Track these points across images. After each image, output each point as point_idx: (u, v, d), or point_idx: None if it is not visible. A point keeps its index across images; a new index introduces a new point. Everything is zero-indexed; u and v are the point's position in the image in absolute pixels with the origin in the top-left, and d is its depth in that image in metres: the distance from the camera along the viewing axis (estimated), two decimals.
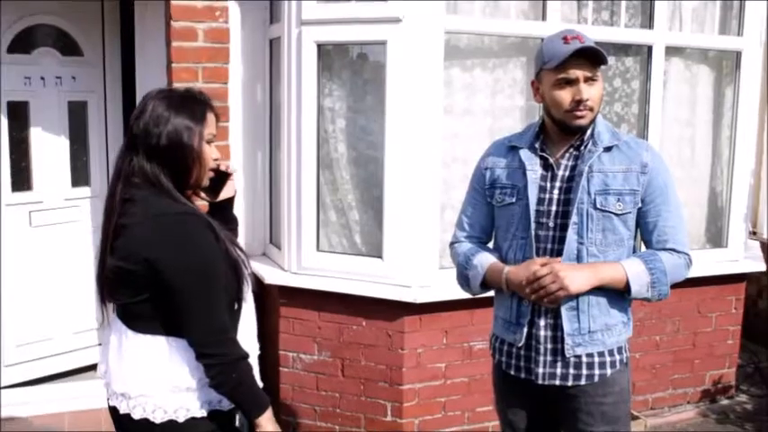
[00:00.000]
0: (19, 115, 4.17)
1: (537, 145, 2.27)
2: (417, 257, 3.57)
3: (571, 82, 2.14)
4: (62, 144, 4.32)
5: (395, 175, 3.54)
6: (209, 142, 1.96)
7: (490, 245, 2.45)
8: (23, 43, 4.15)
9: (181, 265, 1.82)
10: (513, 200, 2.28)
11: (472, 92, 3.76)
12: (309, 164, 3.70)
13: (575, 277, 2.11)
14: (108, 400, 2.03)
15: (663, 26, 3.97)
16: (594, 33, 3.73)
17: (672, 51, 4.07)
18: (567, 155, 2.24)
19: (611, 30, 3.90)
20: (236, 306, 2.00)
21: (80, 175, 4.42)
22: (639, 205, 2.20)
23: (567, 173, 2.22)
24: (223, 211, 2.18)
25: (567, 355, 2.21)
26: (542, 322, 2.23)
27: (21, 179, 4.21)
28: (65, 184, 4.36)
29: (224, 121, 3.83)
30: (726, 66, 4.29)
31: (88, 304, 4.47)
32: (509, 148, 2.34)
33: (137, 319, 1.92)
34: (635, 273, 2.17)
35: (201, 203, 2.09)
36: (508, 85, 3.80)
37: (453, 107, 3.71)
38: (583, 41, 2.12)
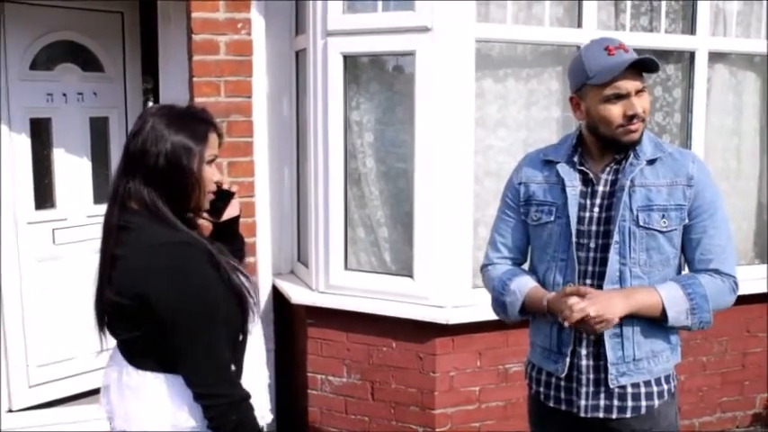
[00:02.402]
0: (41, 132, 4.13)
1: (576, 159, 2.12)
2: (449, 276, 3.42)
3: (621, 96, 1.99)
4: (84, 160, 4.28)
5: (425, 190, 3.40)
6: (209, 163, 1.83)
7: (526, 265, 2.29)
8: (45, 60, 4.12)
9: (175, 302, 1.70)
10: (552, 218, 2.13)
11: (505, 103, 3.61)
12: (337, 179, 3.57)
13: (612, 304, 1.95)
14: None
15: (705, 31, 3.79)
16: (633, 40, 3.59)
17: (715, 57, 3.88)
18: (608, 169, 2.10)
19: (650, 36, 3.73)
20: (240, 338, 1.86)
21: (102, 192, 4.34)
22: (686, 221, 2.05)
23: (607, 188, 2.08)
24: (228, 231, 2.05)
25: (611, 386, 2.06)
26: (584, 351, 2.09)
27: (44, 196, 4.17)
28: (87, 201, 4.31)
29: (248, 136, 3.72)
30: None
31: None
32: (544, 162, 2.19)
33: (136, 355, 1.81)
34: (671, 298, 2.00)
35: (205, 224, 1.97)
36: (543, 96, 3.65)
37: (486, 119, 3.57)
38: (627, 51, 2.00)
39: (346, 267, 3.64)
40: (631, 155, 2.06)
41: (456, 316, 3.40)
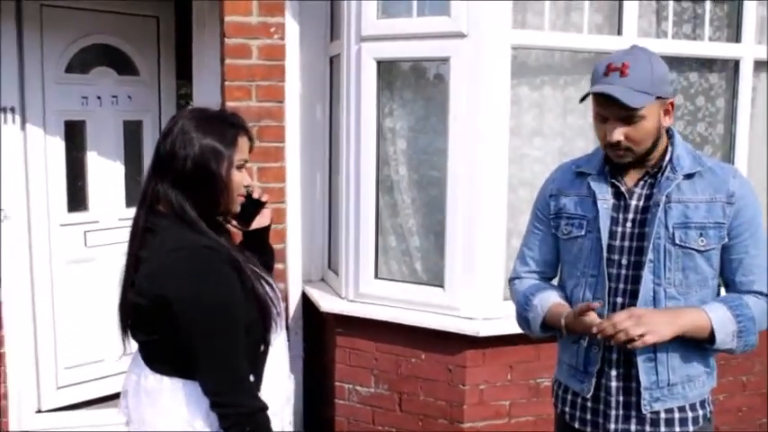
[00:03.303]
0: (75, 135, 4.16)
1: (606, 170, 2.02)
2: (481, 287, 3.35)
3: (605, 119, 1.92)
4: (117, 164, 4.30)
5: (458, 199, 3.34)
6: (239, 168, 1.81)
7: (556, 280, 2.21)
8: (80, 63, 4.14)
9: (193, 305, 1.67)
10: (582, 232, 2.04)
11: (541, 111, 3.53)
12: (369, 186, 3.53)
13: (656, 324, 1.83)
14: None
15: (751, 39, 3.67)
16: (675, 48, 3.51)
17: (761, 66, 3.76)
18: (642, 182, 1.99)
19: (693, 44, 3.62)
20: (261, 348, 1.82)
21: (134, 195, 4.35)
22: (726, 240, 1.94)
23: (641, 203, 1.98)
24: (258, 240, 2.01)
25: (644, 411, 1.97)
26: (613, 372, 1.99)
27: (77, 199, 4.20)
28: (119, 204, 4.32)
29: (279, 142, 3.69)
30: None
31: None
32: (576, 173, 2.11)
33: (154, 359, 1.78)
34: (720, 320, 1.89)
35: (235, 232, 1.94)
36: (581, 104, 3.55)
37: (521, 127, 3.49)
38: (625, 75, 1.86)
39: (377, 276, 3.59)
40: (668, 168, 1.96)
41: (487, 328, 3.33)
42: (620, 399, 1.99)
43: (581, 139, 3.57)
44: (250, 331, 1.76)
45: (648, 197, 1.97)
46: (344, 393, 3.67)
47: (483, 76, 3.27)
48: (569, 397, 2.12)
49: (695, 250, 1.92)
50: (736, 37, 3.69)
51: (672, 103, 1.95)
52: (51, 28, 3.95)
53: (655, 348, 1.92)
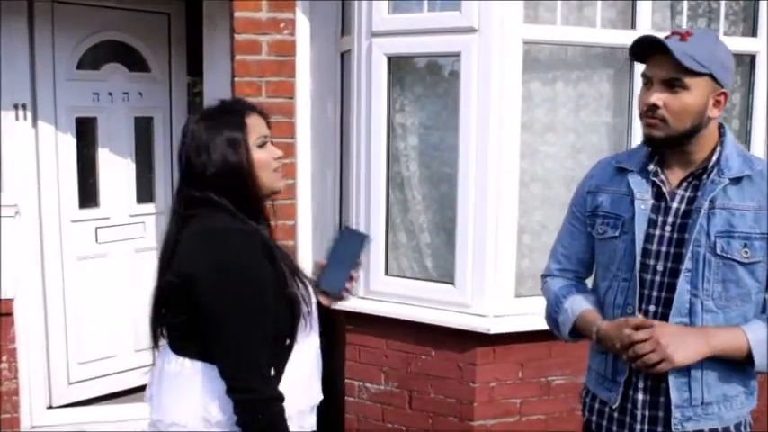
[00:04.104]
0: (86, 131, 4.17)
1: (651, 168, 1.88)
2: (491, 284, 3.32)
3: (648, 81, 1.79)
4: (128, 160, 4.30)
5: (469, 195, 3.31)
6: (261, 146, 1.79)
7: (590, 281, 2.10)
8: (92, 59, 4.15)
9: (218, 285, 1.66)
10: (617, 233, 1.90)
11: (553, 106, 3.50)
12: (379, 183, 3.51)
13: (681, 346, 1.71)
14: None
15: (766, 33, 3.61)
16: None
17: None
18: (685, 184, 1.84)
19: None
20: (287, 342, 1.79)
21: (145, 192, 4.38)
22: None
23: (682, 206, 1.82)
24: None
25: (674, 431, 1.82)
26: (641, 384, 1.85)
27: (88, 195, 4.21)
28: (130, 201, 4.34)
29: (289, 138, 3.68)
30: None
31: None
32: (617, 169, 1.96)
33: (179, 341, 1.79)
34: (759, 341, 1.75)
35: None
36: (593, 100, 3.53)
37: (533, 123, 3.46)
38: (685, 40, 1.72)
39: (387, 272, 3.57)
40: (714, 170, 1.80)
41: (497, 325, 3.30)
42: (647, 413, 1.85)
43: (593, 134, 3.54)
44: (276, 321, 1.74)
45: (691, 200, 1.82)
46: (354, 390, 3.65)
47: (494, 72, 3.23)
48: (597, 405, 1.99)
49: (738, 262, 1.76)
50: (752, 31, 3.63)
51: (725, 95, 1.78)
52: (62, 25, 3.95)
53: (689, 364, 1.77)
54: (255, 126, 1.79)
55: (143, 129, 4.34)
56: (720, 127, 1.86)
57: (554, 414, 3.50)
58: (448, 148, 3.46)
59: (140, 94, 4.28)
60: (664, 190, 1.85)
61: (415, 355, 3.49)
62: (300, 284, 1.81)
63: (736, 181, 1.79)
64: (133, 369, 4.40)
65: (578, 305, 1.97)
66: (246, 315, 1.67)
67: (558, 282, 2.08)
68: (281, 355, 1.78)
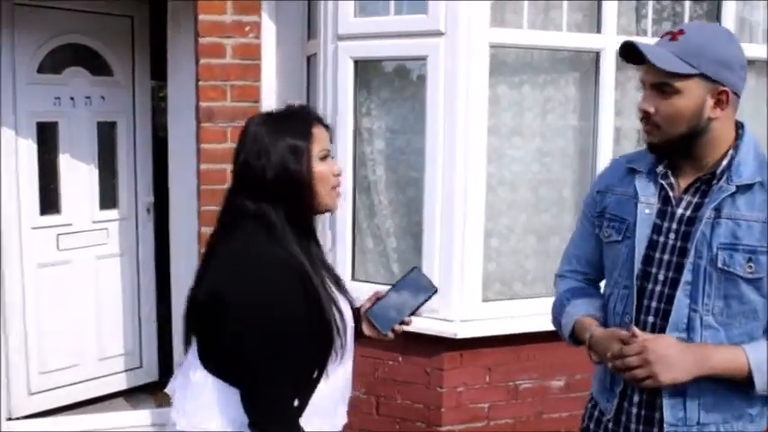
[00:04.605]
0: (48, 136, 4.07)
1: (659, 170, 1.76)
2: (459, 289, 3.30)
3: (643, 86, 1.71)
4: (91, 166, 4.20)
5: (435, 199, 3.30)
6: (323, 159, 1.71)
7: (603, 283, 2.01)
8: (53, 63, 4.05)
9: (249, 316, 1.59)
10: (620, 237, 1.80)
11: (520, 110, 3.50)
12: (346, 187, 3.47)
13: (671, 364, 1.59)
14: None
15: None
16: None
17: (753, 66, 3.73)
18: (693, 189, 1.72)
19: None
20: (315, 375, 1.70)
21: (108, 198, 4.29)
22: None
23: (688, 212, 1.70)
24: None
25: None
26: (636, 397, 1.76)
27: (49, 201, 4.10)
28: (93, 207, 4.24)
29: None
30: None
31: (114, 329, 4.34)
32: (628, 170, 1.84)
33: (204, 356, 1.72)
34: (760, 361, 1.61)
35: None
36: (560, 104, 3.53)
37: (500, 127, 3.45)
38: (676, 39, 1.64)
39: (353, 278, 3.53)
40: (724, 176, 1.67)
41: (465, 330, 3.28)
42: (641, 428, 1.75)
43: (560, 138, 3.54)
44: (305, 354, 1.66)
45: (698, 207, 1.70)
46: None
47: (461, 75, 3.22)
48: (596, 413, 1.90)
49: (740, 277, 1.63)
50: None
51: (726, 93, 1.64)
52: (23, 28, 3.86)
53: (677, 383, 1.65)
54: (320, 137, 1.71)
55: (106, 134, 4.25)
56: (740, 128, 1.73)
57: (521, 418, 3.49)
58: (415, 152, 3.44)
59: (103, 98, 4.19)
60: (670, 194, 1.74)
61: (382, 360, 3.46)
62: (337, 314, 1.71)
63: (747, 188, 1.65)
64: (97, 378, 4.31)
65: (578, 309, 1.89)
66: (272, 350, 1.60)
67: (566, 283, 2.00)
68: (307, 388, 1.70)
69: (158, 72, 4.30)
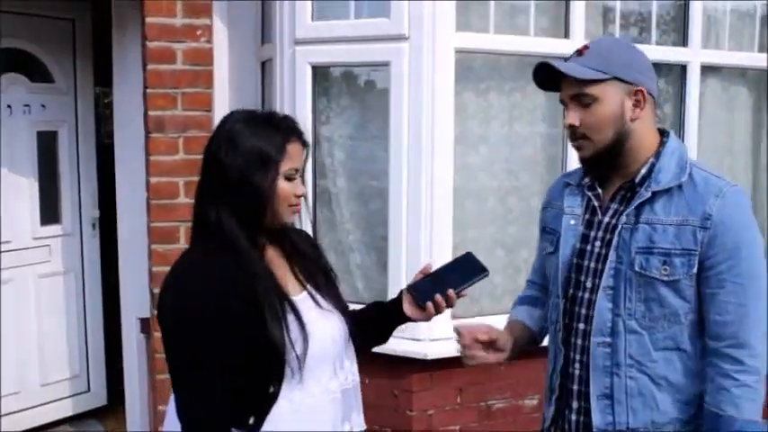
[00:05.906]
0: None
1: (585, 181, 1.83)
2: None
3: (565, 106, 1.77)
4: (30, 178, 3.99)
5: (400, 211, 3.16)
6: (289, 178, 1.63)
7: None
8: None
9: (169, 321, 1.59)
10: (552, 249, 1.88)
11: (486, 118, 3.38)
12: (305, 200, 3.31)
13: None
14: None
15: (697, 43, 3.59)
16: None
17: (708, 71, 3.67)
18: (619, 197, 1.77)
19: (640, 48, 3.50)
20: (271, 389, 1.62)
21: (50, 212, 4.07)
22: (696, 270, 1.66)
23: (612, 220, 1.75)
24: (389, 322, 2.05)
25: None
26: (574, 404, 1.79)
27: None
28: (34, 222, 4.02)
29: None
30: None
31: (59, 353, 4.12)
32: (564, 184, 1.92)
33: None
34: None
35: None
36: (528, 111, 3.43)
37: (466, 135, 3.33)
38: (583, 54, 1.73)
39: None
40: (646, 182, 1.72)
41: (434, 350, 3.16)
42: None
43: (528, 146, 3.45)
44: (249, 367, 1.59)
45: (620, 214, 1.75)
46: None
47: (425, 81, 3.10)
48: (547, 422, 1.94)
49: (657, 279, 1.67)
50: (683, 41, 3.60)
51: (642, 92, 1.70)
52: None
53: (611, 383, 1.72)
54: (294, 155, 1.65)
55: (47, 144, 4.04)
56: (664, 135, 1.79)
57: None
58: (378, 162, 3.30)
59: (43, 106, 3.98)
60: (594, 204, 1.81)
61: None
62: (297, 331, 1.62)
63: (665, 193, 1.70)
64: (41, 405, 4.07)
65: (515, 315, 2.04)
66: (192, 364, 1.58)
67: (524, 292, 2.13)
68: (261, 402, 1.62)
69: (104, 78, 4.08)
